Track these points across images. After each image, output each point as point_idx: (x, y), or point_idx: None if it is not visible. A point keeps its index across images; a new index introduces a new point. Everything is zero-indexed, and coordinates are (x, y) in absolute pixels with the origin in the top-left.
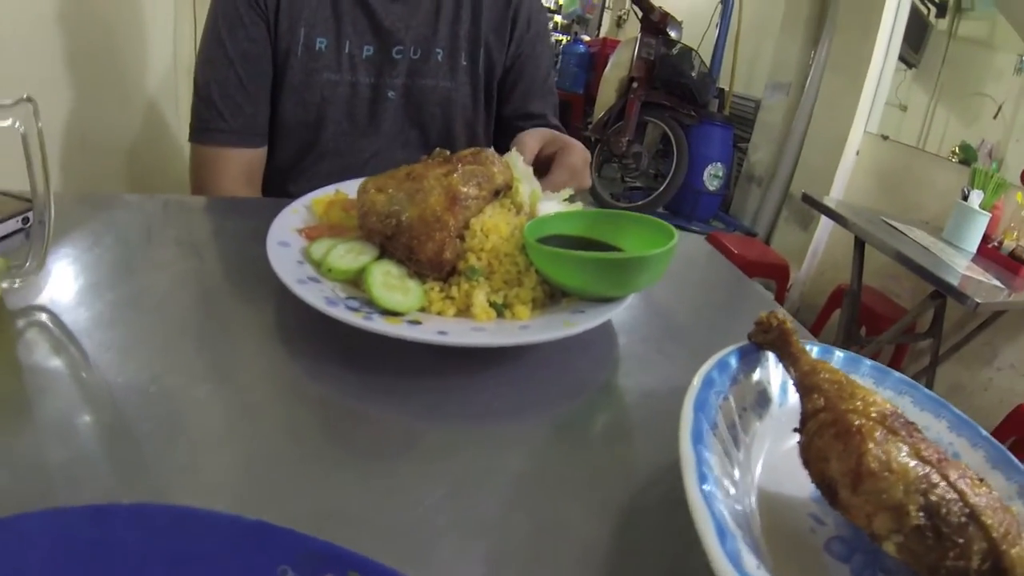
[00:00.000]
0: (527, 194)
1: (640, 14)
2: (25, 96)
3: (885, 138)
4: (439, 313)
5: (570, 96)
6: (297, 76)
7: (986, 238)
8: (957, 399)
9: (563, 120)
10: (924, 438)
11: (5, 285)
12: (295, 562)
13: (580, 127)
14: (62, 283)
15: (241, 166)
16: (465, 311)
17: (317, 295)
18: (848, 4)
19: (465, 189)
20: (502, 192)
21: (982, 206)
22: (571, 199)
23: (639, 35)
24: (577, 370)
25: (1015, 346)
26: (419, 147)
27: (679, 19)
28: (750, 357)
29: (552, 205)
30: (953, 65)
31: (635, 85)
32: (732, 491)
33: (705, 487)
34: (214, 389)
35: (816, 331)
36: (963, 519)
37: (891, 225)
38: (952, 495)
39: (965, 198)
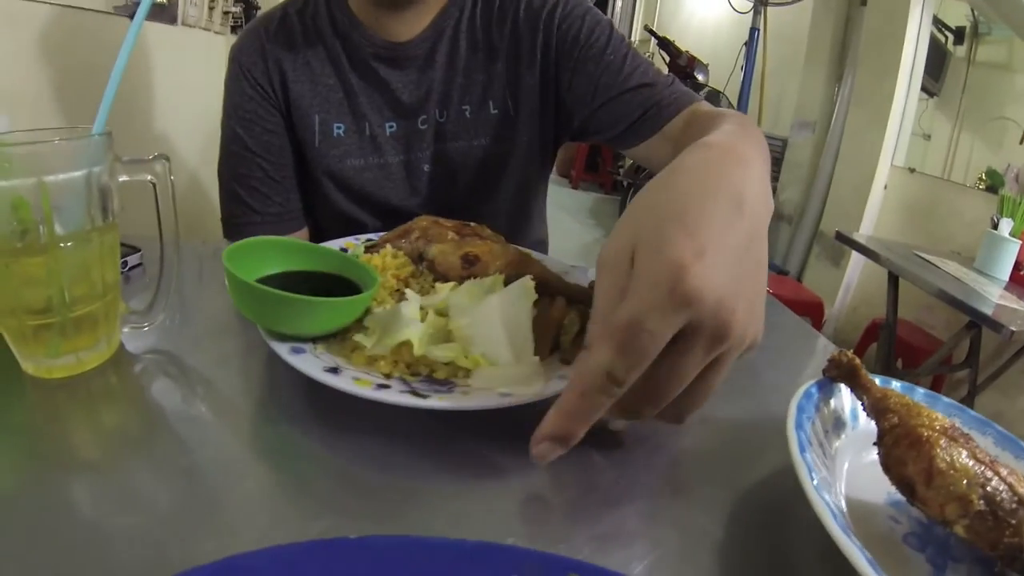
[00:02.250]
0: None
1: (667, 59)
2: (159, 154)
3: (912, 171)
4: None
5: None
6: (319, 166)
7: (1018, 265)
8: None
9: (592, 164)
10: (978, 445)
11: (127, 330)
12: (521, 572)
13: (612, 171)
14: (181, 328)
15: None
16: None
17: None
18: (869, 39)
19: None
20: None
21: (1012, 233)
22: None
23: None
24: None
25: None
26: (461, 209)
27: (705, 62)
28: (826, 389)
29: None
30: (974, 91)
31: None
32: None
33: (815, 482)
34: (327, 433)
35: None
36: (1014, 505)
37: (923, 258)
38: (1004, 486)
39: (995, 226)
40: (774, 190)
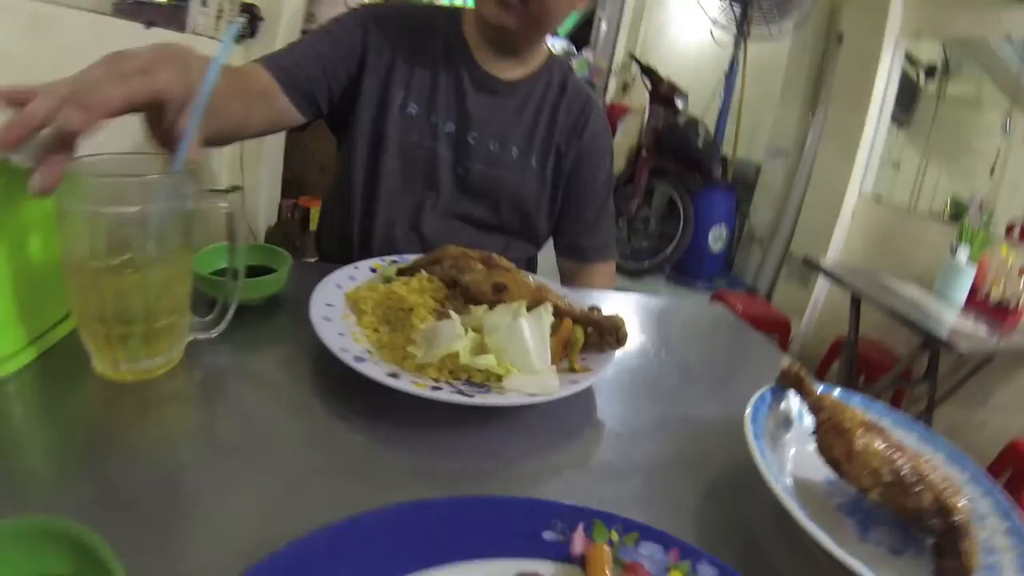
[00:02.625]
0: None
1: (650, 86)
2: (233, 185)
3: (878, 199)
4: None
5: None
6: (392, 130)
7: (975, 289)
8: (956, 439)
9: None
10: (887, 434)
11: (193, 338)
12: (561, 516)
13: None
14: (239, 338)
15: (264, 83)
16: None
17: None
18: (843, 74)
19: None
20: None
21: (971, 258)
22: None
23: (648, 105)
24: (624, 410)
25: (1007, 387)
26: (478, 223)
27: (685, 90)
28: (778, 394)
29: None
30: (943, 124)
31: (644, 154)
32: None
33: (767, 462)
34: (383, 426)
35: (818, 380)
36: (915, 478)
37: (885, 283)
38: (907, 464)
39: (954, 252)
40: (747, 213)
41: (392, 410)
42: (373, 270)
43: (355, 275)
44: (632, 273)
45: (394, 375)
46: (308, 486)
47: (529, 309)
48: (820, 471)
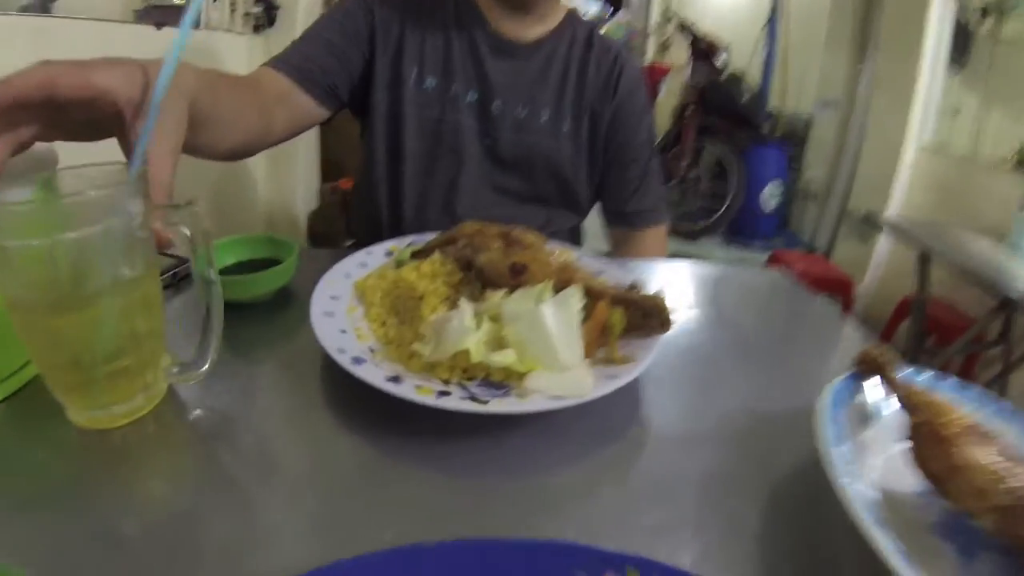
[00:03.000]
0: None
1: (689, 42)
2: (189, 201)
3: (940, 149)
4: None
5: None
6: (409, 107)
7: None
8: None
9: None
10: (1003, 441)
11: (171, 382)
12: (584, 564)
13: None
14: (240, 344)
15: (279, 85)
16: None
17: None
18: (891, 17)
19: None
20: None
21: None
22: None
23: (689, 62)
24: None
25: None
26: (515, 194)
27: (726, 44)
28: (855, 383)
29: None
30: (1001, 67)
31: (688, 112)
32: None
33: (846, 478)
34: (388, 440)
35: (884, 342)
36: None
37: (953, 237)
38: None
39: None
40: (798, 168)
41: (400, 416)
42: (389, 254)
43: (368, 261)
44: (687, 235)
45: (396, 378)
46: (306, 511)
47: (556, 292)
48: (910, 479)
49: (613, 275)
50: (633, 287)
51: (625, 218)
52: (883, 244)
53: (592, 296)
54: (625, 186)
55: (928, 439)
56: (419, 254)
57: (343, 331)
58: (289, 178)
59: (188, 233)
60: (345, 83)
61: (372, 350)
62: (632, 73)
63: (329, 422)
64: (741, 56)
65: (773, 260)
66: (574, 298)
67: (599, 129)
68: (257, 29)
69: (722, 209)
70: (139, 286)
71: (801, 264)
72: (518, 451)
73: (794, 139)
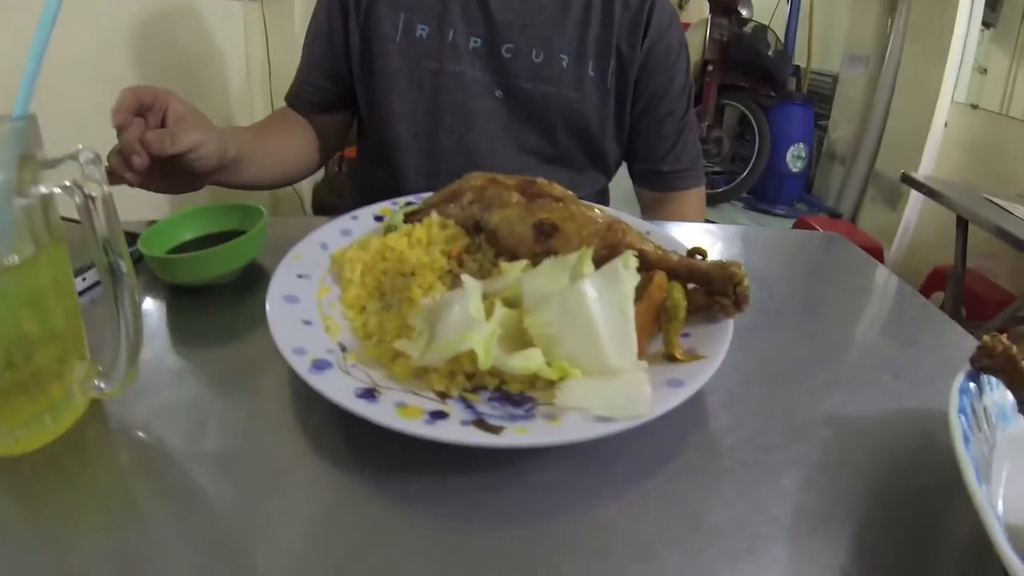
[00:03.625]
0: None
1: None
2: (84, 148)
3: (975, 107)
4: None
5: None
6: (395, 63)
7: None
8: None
9: None
10: None
11: (94, 395)
12: None
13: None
14: (172, 388)
15: (298, 118)
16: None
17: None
18: None
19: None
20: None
21: None
22: None
23: (709, 16)
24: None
25: None
26: (538, 153)
27: None
28: (975, 384)
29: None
30: None
31: (710, 68)
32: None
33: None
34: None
35: None
36: None
37: (992, 201)
38: None
39: None
40: (824, 128)
41: (387, 439)
42: (379, 218)
43: (352, 228)
44: (706, 200)
45: (370, 392)
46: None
47: (597, 262)
48: None
49: (661, 239)
50: (697, 253)
51: (661, 178)
52: (912, 209)
53: (648, 266)
54: (661, 142)
55: None
56: (414, 216)
57: (307, 322)
58: None
59: (78, 200)
60: (347, 87)
61: (344, 348)
62: (665, 10)
63: (294, 447)
64: (765, 8)
65: (799, 226)
66: (627, 271)
67: (628, 75)
68: None
69: (746, 171)
70: (26, 275)
71: (827, 229)
72: (542, 485)
73: (820, 97)
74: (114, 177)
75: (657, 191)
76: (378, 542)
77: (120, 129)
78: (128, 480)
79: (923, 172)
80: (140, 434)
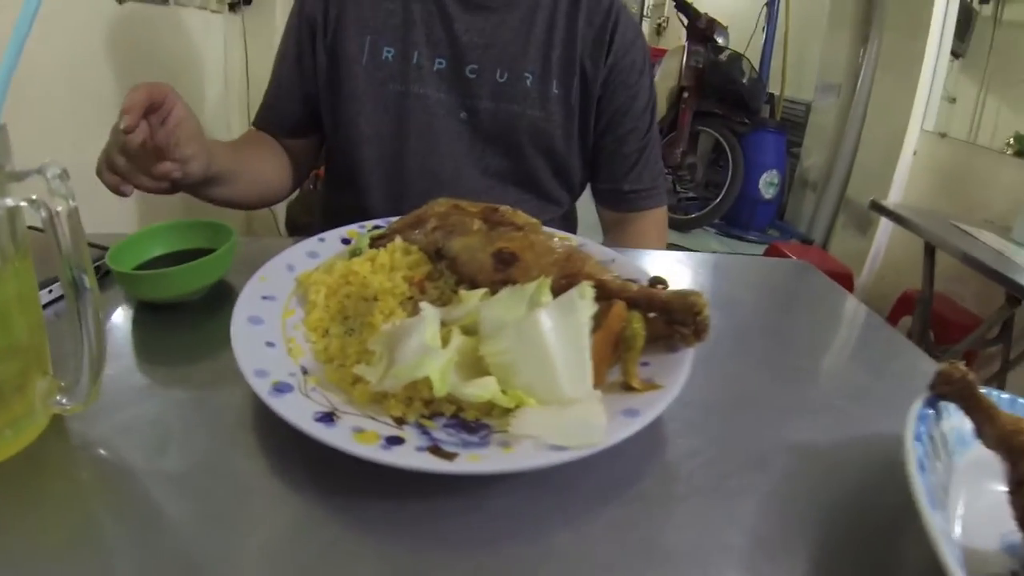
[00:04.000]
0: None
1: (686, 21)
2: (51, 162)
3: (943, 136)
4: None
5: None
6: (361, 86)
7: None
8: None
9: None
10: None
11: (56, 410)
12: None
13: None
14: (136, 405)
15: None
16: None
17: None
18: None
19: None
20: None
21: None
22: None
23: (686, 43)
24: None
25: None
26: (503, 175)
27: (724, 24)
28: (934, 409)
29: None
30: (1001, 52)
31: (686, 95)
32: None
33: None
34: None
35: None
36: None
37: (958, 227)
38: None
39: None
40: (796, 155)
41: (350, 463)
42: (347, 241)
43: (319, 250)
44: (679, 226)
45: (328, 416)
46: None
47: (556, 291)
48: (994, 530)
49: (625, 267)
50: (658, 282)
51: (623, 198)
52: (882, 235)
53: (607, 295)
54: (623, 160)
55: None
56: (379, 241)
57: (270, 344)
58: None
59: (43, 215)
60: (317, 109)
61: (305, 371)
62: (628, 27)
63: (254, 468)
64: (741, 37)
65: (770, 253)
66: (583, 300)
67: (591, 91)
68: (233, 8)
69: (719, 197)
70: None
71: (799, 256)
72: (500, 512)
73: (793, 125)
74: (109, 176)
75: (619, 211)
76: (333, 565)
77: (126, 131)
78: (88, 497)
79: (892, 199)
80: (101, 451)
